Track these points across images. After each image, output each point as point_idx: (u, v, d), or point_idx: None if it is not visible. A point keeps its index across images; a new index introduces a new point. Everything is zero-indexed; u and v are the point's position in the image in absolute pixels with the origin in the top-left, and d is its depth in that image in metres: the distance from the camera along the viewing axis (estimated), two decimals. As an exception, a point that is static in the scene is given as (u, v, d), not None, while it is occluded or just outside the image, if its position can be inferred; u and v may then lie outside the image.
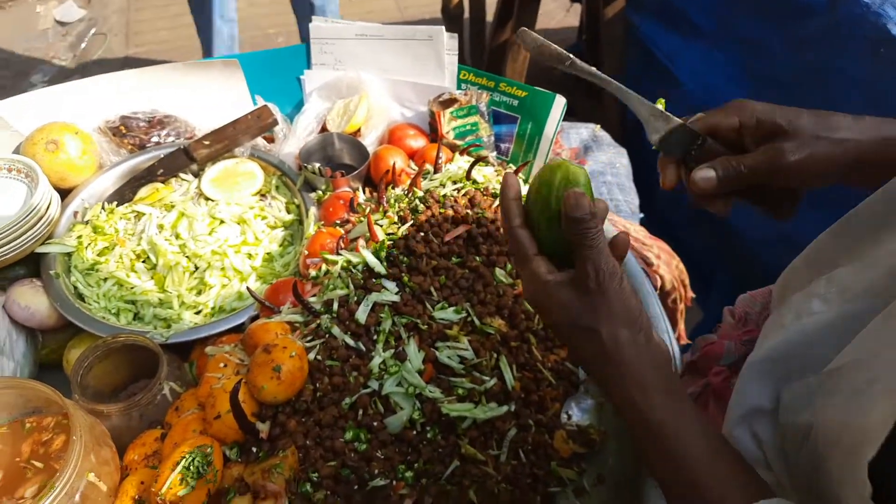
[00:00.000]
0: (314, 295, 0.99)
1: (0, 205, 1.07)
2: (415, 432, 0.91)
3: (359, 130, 1.32)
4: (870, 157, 0.68)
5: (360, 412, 0.90)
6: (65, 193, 1.17)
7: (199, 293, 1.09)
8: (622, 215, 1.35)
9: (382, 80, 1.34)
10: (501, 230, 1.11)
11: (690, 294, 1.47)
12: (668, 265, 1.31)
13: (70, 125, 1.17)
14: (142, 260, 1.12)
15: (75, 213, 1.15)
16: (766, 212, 0.77)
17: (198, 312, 1.07)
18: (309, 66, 1.38)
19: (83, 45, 3.70)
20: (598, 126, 1.67)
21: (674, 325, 1.30)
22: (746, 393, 0.76)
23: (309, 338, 0.94)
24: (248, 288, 1.00)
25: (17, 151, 1.19)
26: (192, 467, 0.77)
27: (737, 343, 0.93)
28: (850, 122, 0.69)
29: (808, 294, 0.74)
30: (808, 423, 0.61)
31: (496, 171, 1.26)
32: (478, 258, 1.08)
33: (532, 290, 0.70)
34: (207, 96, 1.32)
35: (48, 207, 1.06)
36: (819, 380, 0.63)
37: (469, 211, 1.11)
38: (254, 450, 0.85)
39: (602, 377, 0.66)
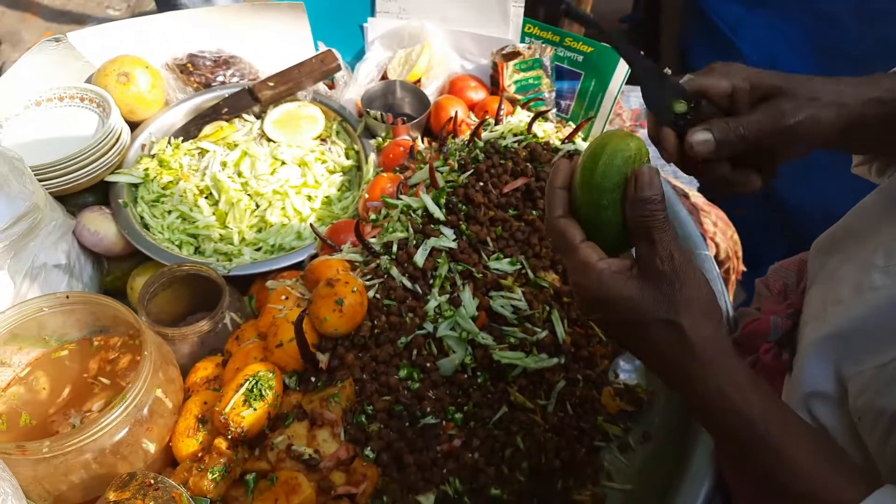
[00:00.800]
0: (373, 237, 1.00)
1: (73, 132, 1.10)
2: (466, 376, 0.92)
3: (419, 80, 1.31)
4: (857, 120, 0.64)
5: (415, 352, 0.92)
6: (132, 126, 1.19)
7: (260, 231, 1.11)
8: (681, 180, 1.33)
9: (445, 30, 1.33)
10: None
11: (742, 267, 1.44)
12: (724, 234, 1.29)
13: (141, 59, 1.19)
14: (204, 196, 1.14)
15: (143, 146, 1.18)
16: (744, 180, 0.70)
17: (257, 249, 1.09)
18: (373, 14, 1.37)
19: (136, -3, 3.74)
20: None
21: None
22: (806, 375, 0.72)
23: (368, 277, 0.95)
24: (311, 225, 1.01)
25: (88, 82, 1.22)
26: (254, 390, 0.79)
27: (782, 317, 0.91)
28: (832, 85, 0.65)
29: (863, 266, 0.71)
30: (892, 410, 0.58)
31: (556, 127, 1.24)
32: (534, 212, 1.08)
33: (585, 282, 0.59)
34: (271, 39, 1.32)
35: (119, 137, 1.09)
36: None
37: (528, 164, 1.10)
38: (312, 379, 0.87)
39: (681, 374, 0.59)
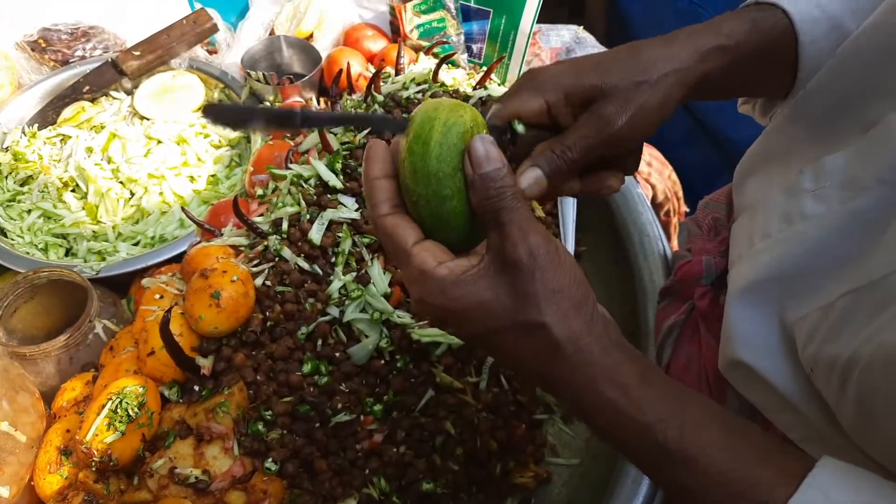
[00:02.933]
0: (261, 215, 0.87)
1: None
2: (383, 362, 0.81)
3: (311, 36, 1.17)
4: (699, 79, 0.57)
5: (320, 342, 0.80)
6: (-22, 118, 1.03)
7: (137, 222, 0.97)
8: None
9: (337, -23, 1.19)
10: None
11: (684, 208, 1.36)
12: (661, 174, 1.20)
13: (-26, 38, 1.02)
14: (70, 189, 0.99)
15: (-9, 140, 1.02)
16: (600, 185, 0.61)
17: (136, 244, 0.95)
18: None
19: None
20: (581, 27, 1.52)
21: (668, 238, 1.19)
22: (740, 325, 0.63)
23: (256, 262, 0.82)
24: (183, 209, 0.88)
25: (-82, 72, 1.04)
26: (119, 410, 0.67)
27: (715, 256, 0.81)
28: (662, 50, 0.57)
29: (791, 192, 0.61)
30: (846, 356, 0.49)
31: (468, 74, 1.12)
32: (448, 169, 0.96)
33: (425, 295, 0.48)
34: (139, 3, 1.16)
35: (-47, 130, 0.93)
36: (856, 297, 0.50)
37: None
38: (196, 388, 0.74)
39: (557, 383, 0.49)
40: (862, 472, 0.43)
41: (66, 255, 0.97)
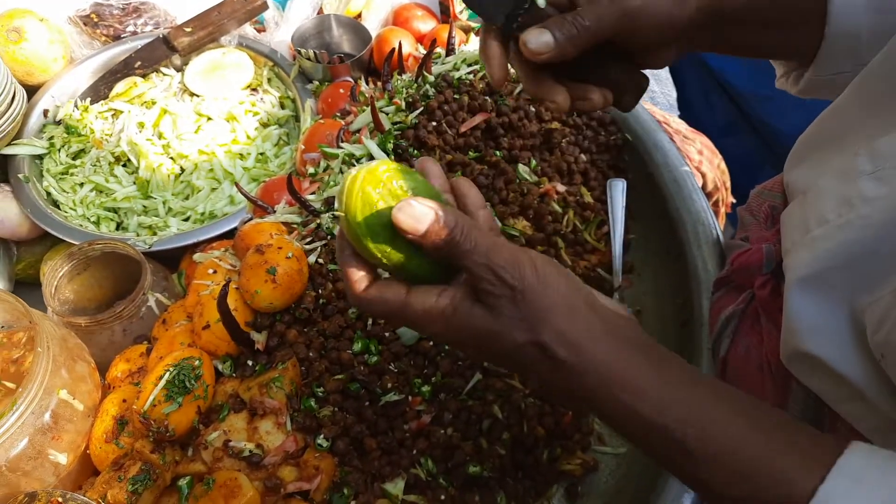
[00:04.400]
0: (313, 193, 0.87)
1: (-43, 101, 0.95)
2: (431, 343, 0.81)
3: (360, 15, 1.16)
4: (713, 4, 0.58)
5: (370, 322, 0.80)
6: (33, 91, 1.04)
7: (187, 198, 0.98)
8: (659, 107, 1.21)
9: (385, -44, 1.17)
10: (524, 122, 0.97)
11: (731, 199, 1.33)
12: (711, 163, 1.17)
13: (32, 11, 1.03)
14: (122, 163, 1.00)
15: (45, 112, 1.03)
16: (607, 98, 0.62)
17: (186, 219, 0.96)
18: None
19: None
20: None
21: (716, 228, 1.17)
22: (802, 317, 0.60)
23: (308, 239, 0.82)
24: (237, 184, 0.88)
25: (-24, 44, 1.05)
26: (177, 381, 0.67)
27: (775, 244, 0.79)
28: None
29: (846, 176, 0.59)
30: None
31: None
32: (498, 153, 0.95)
33: (439, 330, 0.49)
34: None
35: (12, 101, 0.94)
36: None
37: (487, 98, 0.97)
38: (249, 363, 0.75)
39: (573, 391, 0.48)
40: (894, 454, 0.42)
41: (117, 228, 0.97)
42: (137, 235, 0.93)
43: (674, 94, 1.27)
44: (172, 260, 0.93)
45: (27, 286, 0.96)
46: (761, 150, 1.76)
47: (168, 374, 0.68)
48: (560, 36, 0.54)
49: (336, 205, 0.50)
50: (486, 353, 0.50)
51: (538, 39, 0.54)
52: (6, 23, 1.01)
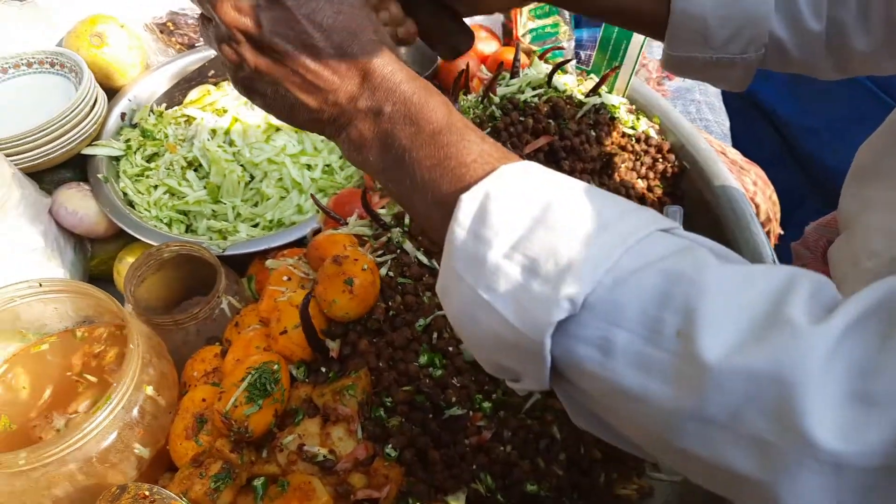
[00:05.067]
0: (382, 207, 0.89)
1: (45, 102, 0.99)
2: (493, 360, 0.83)
3: (424, 35, 1.19)
4: None
5: (435, 335, 0.82)
6: (110, 94, 1.08)
7: (256, 205, 1.01)
8: (714, 136, 1.22)
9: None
10: (585, 146, 0.99)
11: (779, 230, 1.34)
12: (764, 194, 1.19)
13: (114, 18, 1.07)
14: (193, 168, 1.03)
15: (122, 115, 1.06)
16: (409, 29, 0.62)
17: (255, 225, 0.99)
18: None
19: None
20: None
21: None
22: None
23: (379, 252, 0.85)
24: (312, 196, 0.91)
25: (59, 45, 1.10)
26: (258, 384, 0.70)
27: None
28: None
29: (892, 208, 0.60)
30: None
31: (577, 80, 1.13)
32: (560, 174, 0.97)
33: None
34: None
35: (94, 104, 0.97)
36: None
37: (551, 121, 0.99)
38: (323, 370, 0.77)
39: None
40: None
41: (187, 231, 1.01)
42: (210, 239, 0.96)
43: (727, 123, 1.29)
44: (239, 264, 0.96)
45: (100, 281, 1.00)
46: (804, 183, 1.77)
47: (250, 377, 0.70)
48: None
49: None
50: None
51: None
52: (90, 27, 1.05)
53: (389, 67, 0.48)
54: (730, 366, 0.34)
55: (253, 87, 0.50)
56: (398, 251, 0.86)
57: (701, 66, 0.69)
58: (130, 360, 0.67)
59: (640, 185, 1.05)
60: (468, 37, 0.66)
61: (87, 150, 0.99)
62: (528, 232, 0.41)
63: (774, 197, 1.26)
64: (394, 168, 0.49)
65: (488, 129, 0.95)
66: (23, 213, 0.82)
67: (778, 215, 1.27)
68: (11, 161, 0.88)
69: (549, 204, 0.41)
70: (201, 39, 1.14)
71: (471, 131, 0.48)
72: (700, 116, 1.28)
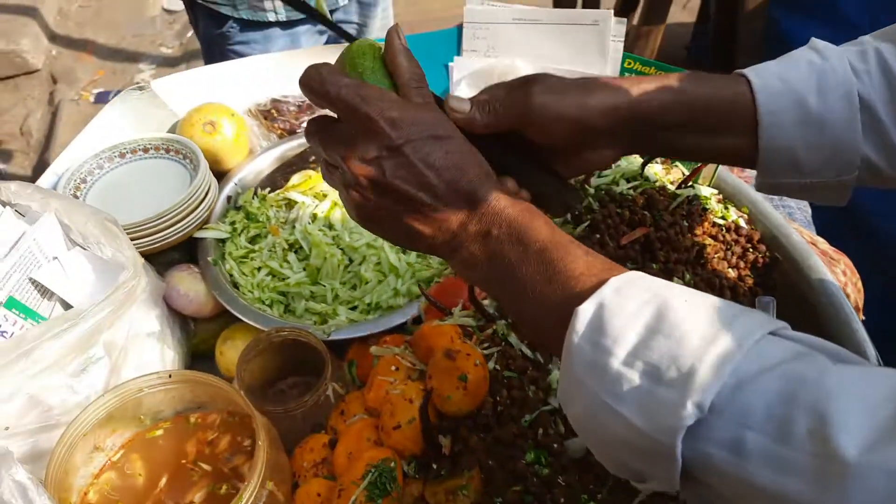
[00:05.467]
0: (485, 298, 0.91)
1: (160, 186, 1.05)
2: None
3: (511, 121, 1.23)
4: (627, 104, 0.65)
5: (540, 431, 0.82)
6: (216, 176, 1.13)
7: (354, 288, 1.03)
8: (798, 223, 1.22)
9: (538, 67, 1.25)
10: (679, 237, 1.00)
11: (862, 317, 1.32)
12: (853, 283, 1.17)
13: (226, 107, 1.13)
14: (294, 250, 1.07)
15: (228, 199, 1.12)
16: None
17: (353, 308, 1.01)
18: (458, 53, 1.30)
19: (189, 34, 3.77)
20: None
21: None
22: None
23: (485, 345, 0.86)
24: (420, 285, 0.93)
25: (171, 131, 1.17)
26: (378, 483, 0.71)
27: None
28: (603, 84, 0.66)
29: None
30: None
31: (664, 168, 1.15)
32: (654, 265, 0.98)
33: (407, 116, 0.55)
34: (354, 81, 1.26)
35: (208, 191, 1.03)
36: None
37: (646, 213, 1.00)
38: (434, 466, 0.77)
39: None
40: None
41: (286, 311, 1.03)
42: (313, 322, 0.99)
43: (808, 210, 1.29)
44: (337, 346, 0.98)
45: (202, 360, 1.02)
46: (867, 264, 1.74)
47: (370, 475, 0.71)
48: (474, 108, 0.63)
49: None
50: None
51: (458, 103, 0.63)
52: (203, 116, 1.11)
53: (494, 195, 0.55)
54: (870, 463, 0.36)
55: (374, 222, 0.59)
56: (503, 343, 0.87)
57: (796, 189, 0.71)
58: (259, 458, 0.68)
59: (731, 273, 1.05)
60: (577, 194, 0.73)
61: (199, 234, 1.04)
62: (645, 339, 0.45)
63: (860, 284, 1.24)
64: (505, 282, 0.55)
65: (587, 221, 0.97)
66: (146, 299, 0.86)
67: (861, 303, 1.24)
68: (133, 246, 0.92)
69: (661, 311, 0.45)
70: (302, 126, 1.20)
71: (574, 246, 0.53)
72: (783, 203, 1.28)
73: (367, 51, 0.60)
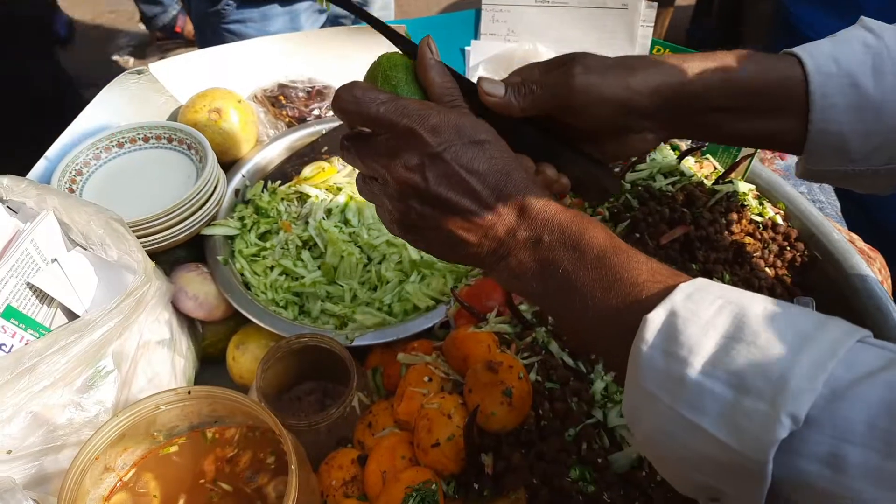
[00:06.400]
0: (521, 303, 0.85)
1: (162, 179, 0.97)
2: (643, 473, 0.77)
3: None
4: (673, 84, 0.62)
5: (584, 446, 0.77)
6: (224, 169, 1.06)
7: (374, 288, 0.97)
8: (830, 218, 1.18)
9: (561, 53, 1.18)
10: (719, 236, 0.95)
11: None
12: (887, 282, 1.14)
13: (233, 93, 1.06)
14: (308, 247, 1.00)
15: (236, 192, 1.04)
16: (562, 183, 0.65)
17: (377, 309, 0.95)
18: (476, 37, 1.23)
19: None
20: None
21: None
22: None
23: (525, 354, 0.80)
24: (452, 290, 0.87)
25: (171, 118, 1.08)
26: (421, 509, 0.65)
27: None
28: (646, 62, 0.64)
29: None
30: None
31: (696, 161, 1.09)
32: (694, 265, 0.93)
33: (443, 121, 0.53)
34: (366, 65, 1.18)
35: (216, 186, 0.95)
36: None
37: (686, 210, 0.95)
38: (476, 486, 0.72)
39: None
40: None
41: (300, 313, 0.97)
42: (333, 327, 0.92)
43: (838, 204, 1.25)
44: (359, 352, 0.91)
45: (211, 364, 0.96)
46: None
47: (411, 499, 0.65)
48: (510, 92, 0.60)
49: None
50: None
51: (492, 86, 0.60)
52: (209, 103, 1.03)
53: (543, 200, 0.52)
54: None
55: (416, 232, 0.55)
56: (543, 351, 0.81)
57: (841, 176, 0.68)
58: (292, 483, 0.62)
59: (769, 272, 1.01)
60: (615, 181, 0.70)
61: (207, 231, 0.96)
62: (725, 347, 0.41)
63: (889, 281, 1.21)
64: (559, 292, 0.51)
65: (627, 220, 0.91)
66: (156, 305, 0.79)
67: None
68: (138, 245, 0.85)
69: (739, 319, 0.42)
70: (312, 113, 1.12)
71: (635, 252, 0.50)
72: (813, 198, 1.23)
73: (399, 62, 0.59)
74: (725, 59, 0.64)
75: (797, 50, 0.64)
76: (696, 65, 0.63)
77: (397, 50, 0.61)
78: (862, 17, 0.67)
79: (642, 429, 0.46)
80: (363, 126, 0.55)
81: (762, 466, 0.39)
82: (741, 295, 0.44)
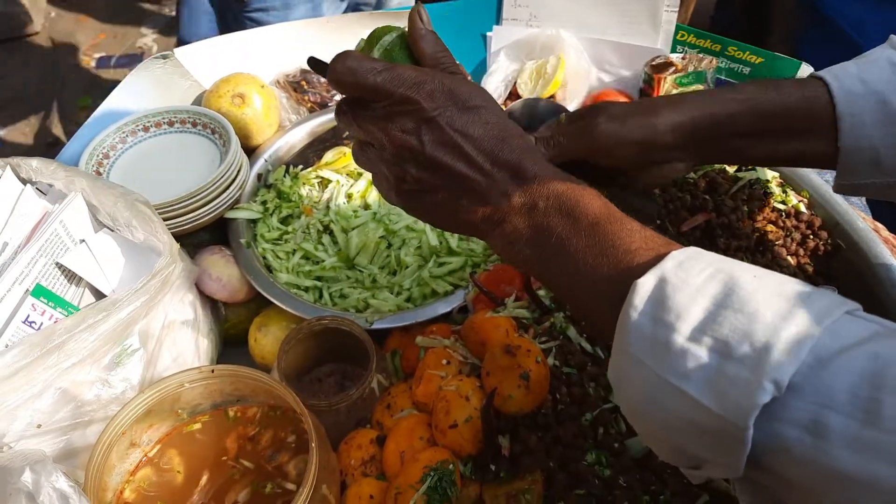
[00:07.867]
0: (540, 289, 0.85)
1: (187, 163, 0.99)
2: (659, 458, 0.77)
3: (553, 97, 1.16)
4: (695, 119, 0.65)
5: (601, 431, 0.77)
6: (247, 154, 1.07)
7: (393, 273, 0.98)
8: (855, 206, 1.17)
9: (584, 39, 1.18)
10: (740, 223, 0.94)
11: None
12: (913, 271, 1.12)
13: (256, 78, 1.07)
14: (328, 231, 1.01)
15: (259, 176, 1.05)
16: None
17: (397, 294, 0.96)
18: (498, 22, 1.23)
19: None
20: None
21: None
22: None
23: (543, 338, 0.81)
24: (471, 274, 0.87)
25: (196, 103, 1.10)
26: (438, 488, 0.66)
27: None
28: (667, 101, 0.68)
29: None
30: None
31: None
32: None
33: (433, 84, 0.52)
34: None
35: (240, 170, 0.96)
36: None
37: (707, 197, 0.94)
38: (492, 468, 0.73)
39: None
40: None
41: (319, 297, 0.98)
42: (354, 311, 0.93)
43: (864, 193, 1.23)
44: (378, 335, 0.92)
45: (233, 346, 0.98)
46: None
47: (430, 479, 0.66)
48: (540, 145, 0.65)
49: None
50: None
51: (539, 133, 0.65)
52: (232, 88, 1.04)
53: (539, 165, 0.53)
54: None
55: (413, 198, 0.56)
56: (561, 336, 0.81)
57: (876, 189, 0.69)
58: (312, 461, 0.63)
59: (790, 261, 1.00)
60: (655, 204, 0.76)
61: (230, 214, 0.98)
62: (713, 314, 0.42)
63: (915, 272, 1.19)
64: (552, 258, 0.51)
65: (646, 207, 0.91)
66: (180, 286, 0.81)
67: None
68: (163, 227, 0.86)
69: (729, 287, 0.42)
70: (334, 99, 1.13)
71: (629, 220, 0.50)
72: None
73: (392, 31, 0.59)
74: (747, 87, 0.67)
75: (822, 73, 0.66)
76: (718, 96, 0.67)
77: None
78: (892, 35, 0.68)
79: (627, 394, 0.47)
80: (360, 96, 0.54)
81: (743, 431, 0.39)
82: (733, 264, 0.44)
